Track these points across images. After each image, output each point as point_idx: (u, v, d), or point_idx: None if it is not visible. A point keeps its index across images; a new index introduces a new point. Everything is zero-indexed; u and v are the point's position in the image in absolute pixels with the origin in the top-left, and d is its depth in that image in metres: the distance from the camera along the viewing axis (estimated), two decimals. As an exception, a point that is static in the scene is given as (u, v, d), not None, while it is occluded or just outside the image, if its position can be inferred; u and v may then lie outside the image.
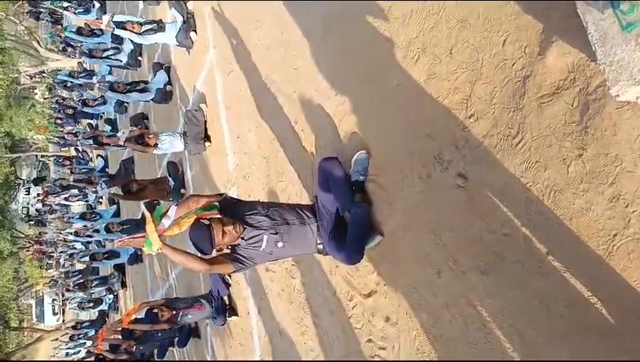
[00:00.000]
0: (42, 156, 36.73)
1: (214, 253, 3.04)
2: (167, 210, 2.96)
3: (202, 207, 3.07)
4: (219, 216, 3.03)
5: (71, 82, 14.21)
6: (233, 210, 3.13)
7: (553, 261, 2.05)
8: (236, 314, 5.90)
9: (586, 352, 1.92)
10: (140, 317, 6.22)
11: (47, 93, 28.02)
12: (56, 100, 19.42)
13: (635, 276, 1.76)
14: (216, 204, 3.11)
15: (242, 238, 3.05)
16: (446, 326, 2.65)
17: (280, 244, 3.15)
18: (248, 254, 3.08)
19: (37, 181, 31.87)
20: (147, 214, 2.92)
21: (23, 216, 31.61)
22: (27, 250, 29.38)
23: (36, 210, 28.77)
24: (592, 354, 1.90)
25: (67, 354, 19.84)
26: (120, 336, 8.07)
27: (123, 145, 7.48)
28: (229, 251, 3.10)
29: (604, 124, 1.85)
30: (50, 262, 26.62)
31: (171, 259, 2.94)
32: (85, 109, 12.81)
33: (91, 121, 15.85)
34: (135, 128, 7.12)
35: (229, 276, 5.95)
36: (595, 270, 1.90)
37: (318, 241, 3.28)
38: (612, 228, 1.83)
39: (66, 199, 15.04)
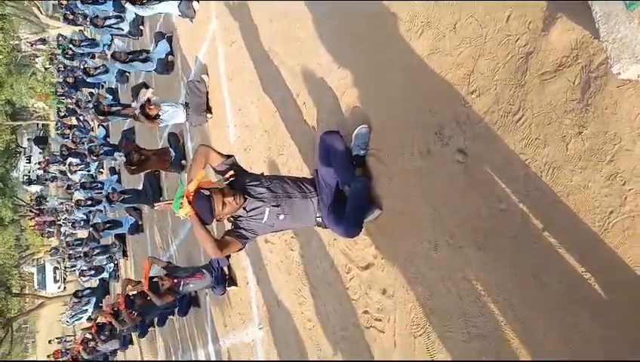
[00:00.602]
0: (43, 125, 36.69)
1: (214, 223, 3.07)
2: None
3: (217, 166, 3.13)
4: (221, 186, 3.05)
5: (72, 50, 14.09)
6: (236, 179, 3.15)
7: (549, 237, 2.08)
8: (235, 284, 5.98)
9: (577, 328, 1.96)
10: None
11: (47, 63, 27.82)
12: (58, 68, 19.28)
13: (628, 253, 1.79)
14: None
15: (244, 209, 3.08)
16: (441, 299, 2.69)
17: (281, 217, 3.18)
18: (250, 226, 3.10)
19: (38, 140, 31.86)
20: (184, 176, 2.98)
21: (25, 182, 31.69)
22: (29, 219, 29.54)
23: (37, 176, 28.82)
24: (584, 330, 1.94)
25: (67, 322, 20.15)
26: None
27: (126, 113, 7.44)
28: (231, 227, 3.13)
29: (604, 102, 1.85)
30: (52, 230, 26.78)
31: (195, 230, 2.98)
32: (87, 78, 12.73)
33: (92, 90, 15.77)
34: (145, 90, 6.97)
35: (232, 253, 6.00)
36: (589, 246, 1.92)
37: (318, 214, 3.31)
38: (608, 206, 1.85)
39: (67, 168, 15.08)
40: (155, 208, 3.11)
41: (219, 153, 3.16)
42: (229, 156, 3.20)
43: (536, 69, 2.14)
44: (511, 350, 2.28)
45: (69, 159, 14.58)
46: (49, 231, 27.71)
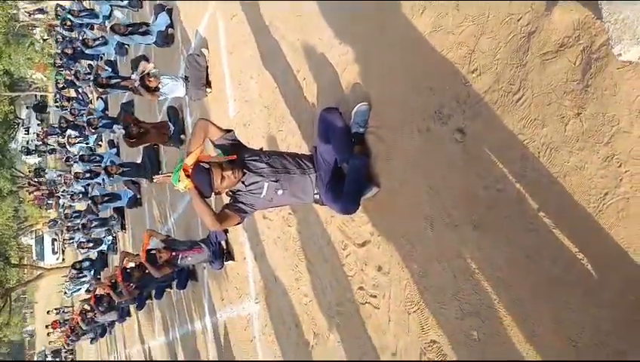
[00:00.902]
0: (42, 96, 36.45)
1: (213, 197, 3.09)
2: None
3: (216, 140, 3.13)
4: (220, 160, 3.05)
5: (71, 21, 13.91)
6: (236, 150, 3.16)
7: (544, 217, 2.10)
8: (233, 259, 6.03)
9: (569, 307, 1.99)
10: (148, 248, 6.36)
11: (45, 33, 27.51)
12: (56, 39, 19.07)
13: (622, 234, 1.81)
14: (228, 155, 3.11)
15: (243, 183, 3.09)
16: (436, 277, 2.72)
17: (280, 192, 3.19)
18: (248, 200, 3.12)
19: (38, 108, 31.65)
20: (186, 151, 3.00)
21: (22, 151, 31.60)
22: (29, 193, 29.54)
23: (35, 146, 28.73)
24: (576, 310, 1.97)
25: (67, 293, 20.36)
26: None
27: (125, 86, 7.39)
28: (230, 201, 3.14)
29: (604, 83, 1.85)
30: (51, 202, 26.82)
31: (194, 203, 3.00)
32: (85, 50, 12.61)
33: (91, 62, 15.63)
34: (146, 63, 6.89)
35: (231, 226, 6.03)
36: (583, 227, 1.94)
37: (316, 191, 3.32)
38: (604, 187, 1.87)
39: (66, 141, 15.05)
40: (154, 181, 3.13)
41: (218, 127, 3.16)
42: (228, 131, 3.20)
43: (537, 49, 2.13)
44: (503, 328, 2.31)
45: (68, 131, 14.53)
46: (48, 203, 27.76)
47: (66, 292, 19.45)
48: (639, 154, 1.74)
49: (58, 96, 21.19)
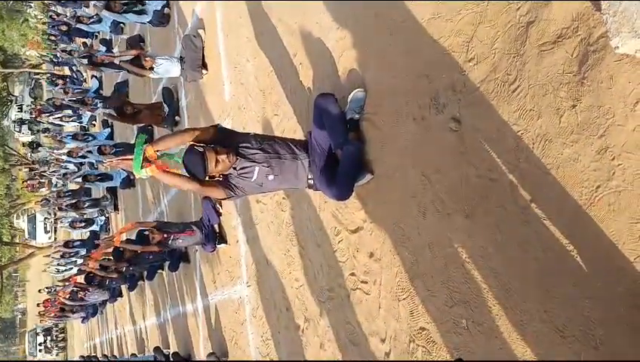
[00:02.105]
0: (36, 74, 36.03)
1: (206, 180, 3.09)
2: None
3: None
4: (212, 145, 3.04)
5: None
6: (227, 139, 3.15)
7: (536, 208, 2.11)
8: (225, 242, 6.03)
9: (558, 297, 2.01)
10: (131, 238, 6.35)
11: (39, 11, 27.13)
12: (50, 16, 18.81)
13: (612, 227, 1.82)
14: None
15: (234, 168, 3.09)
16: (427, 264, 2.74)
17: (271, 177, 3.19)
18: (239, 184, 3.13)
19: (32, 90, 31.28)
20: (140, 139, 2.93)
21: (16, 122, 31.27)
22: (20, 170, 29.33)
23: (28, 122, 28.47)
24: (565, 300, 1.99)
25: (58, 271, 20.31)
26: (111, 257, 8.28)
27: (118, 65, 7.33)
28: (220, 179, 3.15)
29: (601, 75, 1.85)
30: (43, 181, 26.68)
31: (164, 182, 3.00)
32: (80, 26, 12.43)
33: (86, 40, 15.44)
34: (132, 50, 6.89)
35: (220, 205, 6.04)
36: (575, 219, 1.95)
37: (309, 176, 3.32)
38: (596, 180, 1.87)
39: (59, 119, 14.91)
40: (105, 163, 3.06)
41: (203, 130, 3.13)
42: (214, 126, 3.19)
43: (535, 39, 2.12)
44: (491, 317, 2.33)
45: (61, 110, 14.39)
46: (40, 183, 27.59)
47: (58, 271, 19.40)
48: (632, 148, 1.74)
49: (51, 74, 20.96)
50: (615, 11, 1.50)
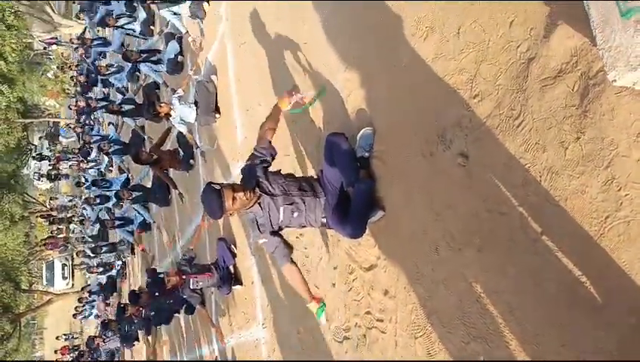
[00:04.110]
0: (54, 123, 36.95)
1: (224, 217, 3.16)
2: None
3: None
4: (230, 183, 3.12)
5: (85, 49, 14.23)
6: (258, 172, 3.24)
7: (546, 240, 2.11)
8: (240, 283, 6.04)
9: (572, 330, 1.99)
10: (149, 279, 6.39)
11: (59, 61, 28.04)
12: (70, 67, 19.47)
13: (623, 257, 1.82)
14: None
15: (259, 205, 3.14)
16: (441, 300, 2.73)
17: (295, 214, 3.24)
18: (265, 222, 3.20)
19: (50, 135, 32.08)
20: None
21: (35, 179, 31.94)
22: (37, 216, 29.72)
23: (47, 172, 29.11)
24: (578, 332, 1.97)
25: (75, 316, 20.29)
26: (129, 301, 8.30)
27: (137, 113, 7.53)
28: (260, 231, 3.24)
29: (602, 108, 1.88)
30: (61, 227, 27.02)
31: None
32: (99, 77, 12.86)
33: (104, 90, 15.92)
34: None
35: (234, 246, 6.07)
36: (585, 250, 1.95)
37: (323, 215, 3.35)
38: (604, 211, 1.88)
39: (77, 165, 15.24)
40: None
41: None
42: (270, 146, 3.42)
43: (537, 75, 2.17)
44: (509, 352, 2.31)
45: (80, 157, 14.73)
46: (58, 229, 27.94)
47: (80, 315, 19.38)
48: (638, 178, 1.76)
49: (73, 120, 21.51)
50: (610, 46, 1.55)
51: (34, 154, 30.10)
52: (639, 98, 1.74)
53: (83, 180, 14.62)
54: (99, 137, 13.66)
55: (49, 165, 28.65)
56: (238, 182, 3.19)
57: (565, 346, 2.02)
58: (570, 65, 2.02)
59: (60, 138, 31.43)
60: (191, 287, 6.33)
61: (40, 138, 37.04)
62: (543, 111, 2.13)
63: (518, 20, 2.28)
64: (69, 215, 23.01)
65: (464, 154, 2.55)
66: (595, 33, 1.63)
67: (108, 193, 11.86)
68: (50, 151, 34.66)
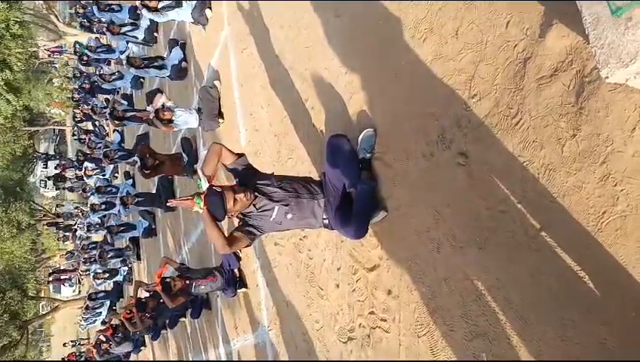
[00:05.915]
0: (59, 130, 37.20)
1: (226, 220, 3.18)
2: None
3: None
4: (231, 184, 3.16)
5: (88, 56, 14.35)
6: (248, 176, 3.26)
7: (545, 237, 2.14)
8: (246, 286, 6.07)
9: (573, 326, 2.02)
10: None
11: (63, 69, 28.24)
12: (74, 75, 19.61)
13: (621, 252, 1.85)
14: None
15: (254, 206, 3.17)
16: (444, 298, 2.75)
17: (289, 216, 3.26)
18: (258, 223, 3.20)
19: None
20: (201, 175, 3.17)
21: (41, 187, 32.16)
22: (43, 223, 29.87)
23: (53, 180, 29.37)
24: (579, 328, 1.99)
25: (81, 325, 20.38)
26: (135, 308, 8.35)
27: (140, 119, 7.58)
28: (239, 223, 3.23)
29: (597, 105, 1.91)
30: (67, 234, 27.14)
31: (205, 226, 3.11)
32: (102, 84, 12.96)
33: (108, 96, 16.03)
34: (161, 95, 7.13)
35: (240, 249, 6.11)
36: (584, 246, 1.98)
37: (324, 216, 3.38)
38: (601, 206, 1.91)
39: (84, 172, 15.33)
40: (169, 204, 3.27)
41: (231, 151, 3.27)
42: (240, 155, 3.31)
43: (533, 74, 2.21)
44: (510, 347, 2.33)
45: (85, 163, 14.83)
46: (65, 236, 28.05)
47: (81, 324, 19.50)
48: (633, 173, 1.79)
49: (76, 129, 21.66)
50: (602, 44, 1.58)
51: (39, 154, 30.25)
52: (632, 94, 1.78)
53: (87, 188, 14.73)
54: (103, 144, 13.74)
55: (55, 167, 28.81)
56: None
57: (566, 341, 2.04)
58: (565, 64, 2.06)
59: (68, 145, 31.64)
60: (192, 292, 6.37)
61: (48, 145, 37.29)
62: (540, 110, 2.16)
63: (514, 20, 2.32)
64: (74, 222, 23.13)
65: (464, 154, 2.59)
66: (587, 31, 1.66)
67: (113, 200, 11.93)
68: (56, 159, 34.87)
